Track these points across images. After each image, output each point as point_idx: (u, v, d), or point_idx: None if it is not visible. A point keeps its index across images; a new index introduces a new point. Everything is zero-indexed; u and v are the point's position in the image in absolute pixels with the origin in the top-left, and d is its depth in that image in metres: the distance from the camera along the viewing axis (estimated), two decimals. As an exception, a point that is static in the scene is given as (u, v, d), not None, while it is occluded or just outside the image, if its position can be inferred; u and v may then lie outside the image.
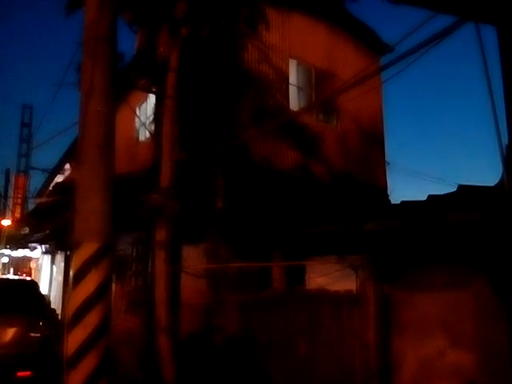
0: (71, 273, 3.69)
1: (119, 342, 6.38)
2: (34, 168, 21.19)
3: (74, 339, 3.53)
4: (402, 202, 5.15)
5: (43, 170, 19.63)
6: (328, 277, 5.45)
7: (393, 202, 9.36)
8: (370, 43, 10.28)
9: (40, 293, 8.17)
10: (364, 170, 9.85)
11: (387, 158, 10.88)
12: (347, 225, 5.21)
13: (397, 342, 4.85)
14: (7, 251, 23.20)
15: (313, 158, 8.92)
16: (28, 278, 13.61)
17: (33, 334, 6.61)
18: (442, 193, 4.63)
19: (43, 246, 16.38)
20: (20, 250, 20.31)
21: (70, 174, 15.16)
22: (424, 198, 4.62)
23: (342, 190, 8.52)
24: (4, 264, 27.64)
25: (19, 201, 23.39)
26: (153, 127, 7.80)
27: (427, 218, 4.42)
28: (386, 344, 4.87)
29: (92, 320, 3.54)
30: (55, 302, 12.76)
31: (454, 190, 4.52)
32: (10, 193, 25.58)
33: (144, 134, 10.01)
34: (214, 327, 6.43)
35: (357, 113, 9.74)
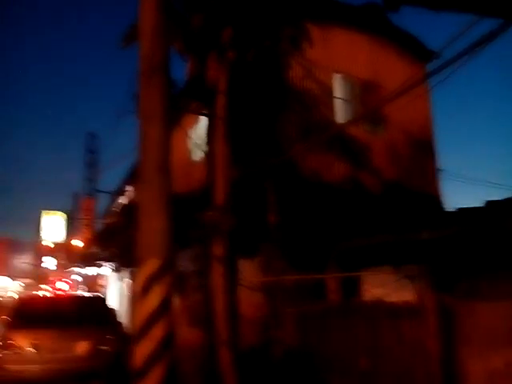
0: (136, 289, 3.81)
1: (181, 355, 6.48)
2: (99, 191, 22.37)
3: (141, 352, 3.63)
4: (459, 209, 4.91)
5: (108, 193, 20.72)
6: (384, 288, 5.27)
7: (447, 209, 8.94)
8: (415, 51, 10.01)
9: (109, 308, 8.45)
10: (415, 179, 9.51)
11: (440, 165, 10.45)
12: (402, 235, 5.03)
13: (461, 354, 4.56)
14: (79, 269, 24.48)
15: (362, 169, 8.74)
16: (98, 294, 14.22)
17: (103, 348, 6.79)
18: (499, 198, 4.36)
19: (111, 264, 17.09)
20: (90, 268, 21.32)
21: (132, 195, 15.81)
22: (481, 204, 4.38)
23: (393, 199, 8.25)
24: (77, 281, 29.15)
25: (88, 222, 24.67)
26: (205, 147, 7.99)
27: (486, 225, 4.17)
28: (449, 357, 4.59)
29: (157, 333, 3.63)
30: (123, 317, 13.21)
31: (513, 194, 4.25)
32: (79, 215, 27.10)
33: (197, 155, 10.28)
34: (272, 340, 6.37)
35: (405, 121, 9.46)
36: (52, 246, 40.06)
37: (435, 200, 9.81)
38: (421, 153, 9.96)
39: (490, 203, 4.37)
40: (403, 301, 5.01)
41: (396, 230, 5.16)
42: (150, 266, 3.73)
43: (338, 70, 9.11)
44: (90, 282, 23.24)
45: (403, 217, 6.19)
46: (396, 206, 7.82)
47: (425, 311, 4.76)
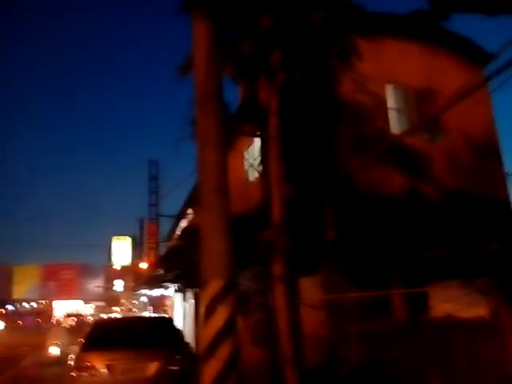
0: (201, 309, 3.92)
1: (247, 374, 6.49)
2: (162, 215, 23.28)
3: (209, 371, 3.71)
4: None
5: (170, 217, 21.51)
6: (454, 303, 4.98)
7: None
8: (469, 54, 9.60)
9: (176, 328, 8.67)
10: (480, 185, 8.99)
11: (507, 169, 9.83)
12: (469, 246, 4.77)
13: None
14: (146, 291, 25.40)
15: (421, 179, 8.43)
16: (164, 315, 14.61)
17: (173, 368, 6.94)
18: None
19: (175, 285, 17.58)
20: (156, 290, 22.06)
21: (193, 218, 16.28)
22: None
23: (457, 208, 7.85)
24: (144, 303, 30.24)
25: (153, 245, 25.66)
26: (260, 168, 8.12)
27: None
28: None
29: (224, 352, 3.69)
30: (188, 337, 13.49)
31: None
32: (144, 239, 28.27)
33: (253, 175, 10.44)
34: (337, 359, 6.22)
35: (464, 127, 9.04)
36: (120, 269, 41.97)
37: (504, 206, 9.20)
38: (485, 158, 9.44)
39: None
40: (476, 316, 4.71)
41: (463, 241, 4.90)
42: (214, 287, 3.82)
43: (391, 81, 8.95)
44: (156, 303, 24.00)
45: (469, 226, 5.87)
46: (461, 214, 7.43)
47: (502, 327, 4.44)
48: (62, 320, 34.96)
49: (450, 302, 5.07)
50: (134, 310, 33.78)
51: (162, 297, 22.86)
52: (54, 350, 14.89)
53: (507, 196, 9.53)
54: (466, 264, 4.84)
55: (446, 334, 5.01)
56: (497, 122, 10.04)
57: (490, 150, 9.62)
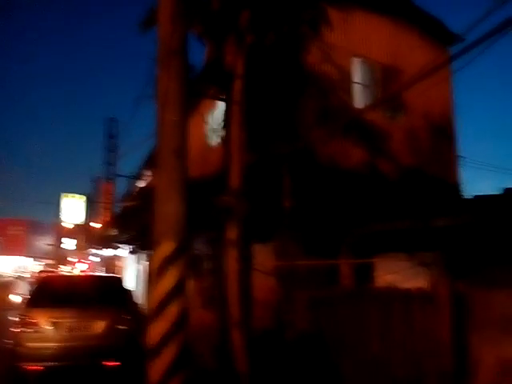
0: (152, 270, 3.93)
1: (195, 336, 6.64)
2: (119, 175, 22.72)
3: (156, 331, 3.76)
4: (476, 197, 4.86)
5: (127, 177, 21.05)
6: (397, 274, 5.28)
7: (466, 196, 8.82)
8: (437, 34, 9.77)
9: (126, 288, 8.66)
10: (434, 165, 9.39)
11: (460, 152, 10.29)
12: (417, 221, 5.02)
13: (473, 343, 4.56)
14: (97, 251, 25.06)
15: (380, 155, 8.67)
16: (115, 275, 14.55)
17: (120, 327, 6.96)
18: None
19: (129, 247, 17.44)
20: (108, 250, 21.80)
21: (151, 179, 16.03)
22: (499, 192, 4.34)
23: (411, 186, 8.18)
24: (95, 262, 29.88)
25: (107, 205, 25.14)
26: (223, 132, 8.04)
27: (503, 213, 4.13)
28: (461, 345, 4.60)
29: (172, 313, 3.75)
30: (140, 298, 13.55)
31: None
32: (100, 198, 27.63)
33: (215, 140, 10.34)
34: (285, 323, 6.48)
35: (425, 107, 9.30)
36: (71, 227, 41.05)
37: (453, 187, 9.69)
38: (440, 139, 9.81)
39: (508, 191, 4.33)
40: (417, 287, 5.02)
41: (411, 217, 5.15)
42: (166, 248, 3.83)
43: (358, 54, 8.98)
44: (108, 264, 23.78)
45: (420, 203, 6.16)
46: (413, 192, 7.76)
47: (438, 298, 4.76)
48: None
49: (395, 274, 5.35)
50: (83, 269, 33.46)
51: (115, 257, 22.65)
52: (15, 298, 15.23)
53: (456, 177, 10.01)
54: (412, 238, 5.11)
55: (386, 302, 5.32)
56: (455, 105, 10.41)
57: (445, 132, 9.99)
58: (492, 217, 4.23)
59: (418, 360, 4.89)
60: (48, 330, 6.69)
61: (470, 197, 5.33)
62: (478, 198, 4.73)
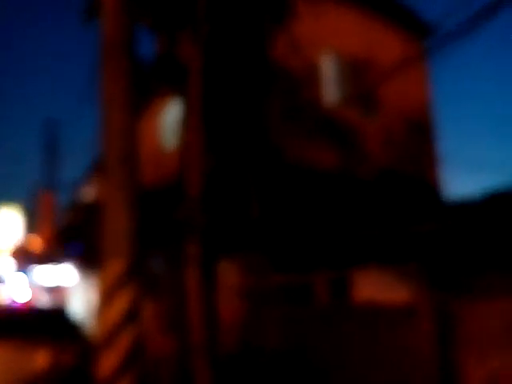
0: (100, 295, 3.83)
1: (154, 365, 6.53)
2: (59, 184, 22.09)
3: (106, 364, 3.66)
4: (457, 202, 5.03)
5: (70, 186, 20.50)
6: (377, 287, 5.37)
7: (447, 197, 9.13)
8: (411, 26, 10.09)
9: (69, 319, 8.52)
10: (411, 165, 9.66)
11: (440, 150, 10.62)
12: (395, 229, 5.13)
13: (459, 357, 4.70)
14: (38, 270, 24.20)
15: (354, 155, 8.84)
16: (57, 307, 14.18)
17: (63, 359, 6.91)
18: (503, 183, 4.48)
19: (75, 265, 16.97)
20: (51, 268, 21.08)
21: (96, 190, 15.70)
22: (482, 195, 4.50)
23: (388, 187, 8.39)
24: (37, 286, 28.82)
25: (48, 218, 24.40)
26: (179, 135, 7.97)
27: (485, 219, 4.29)
28: (447, 359, 4.73)
29: (124, 343, 3.66)
30: (88, 324, 13.18)
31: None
32: (38, 210, 26.76)
33: (170, 143, 10.24)
34: (254, 346, 6.46)
35: (401, 103, 9.57)
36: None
37: (433, 187, 10.00)
38: (418, 138, 10.11)
39: (490, 195, 4.50)
40: (398, 301, 5.12)
41: (389, 223, 5.25)
42: (114, 269, 3.74)
43: (328, 47, 9.14)
44: (52, 288, 23.04)
45: (398, 206, 6.31)
46: (390, 193, 7.95)
47: (421, 312, 4.88)
48: None
49: (374, 287, 5.44)
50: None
51: (58, 278, 21.97)
52: None
53: (435, 177, 10.34)
54: (392, 247, 5.21)
55: (366, 318, 5.41)
56: (433, 103, 10.74)
57: (423, 130, 10.31)
58: (474, 223, 4.38)
59: (402, 377, 4.98)
60: None
61: (451, 200, 5.51)
62: (460, 204, 4.90)
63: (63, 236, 15.21)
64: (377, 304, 5.40)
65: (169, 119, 10.29)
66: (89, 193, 18.03)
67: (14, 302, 28.15)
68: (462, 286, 4.69)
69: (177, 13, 6.53)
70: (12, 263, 41.07)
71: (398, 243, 5.18)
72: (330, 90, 9.15)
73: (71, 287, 20.29)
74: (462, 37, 3.97)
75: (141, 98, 5.81)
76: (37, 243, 26.28)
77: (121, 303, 3.68)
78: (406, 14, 10.05)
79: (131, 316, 3.70)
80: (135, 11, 4.77)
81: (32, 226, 30.91)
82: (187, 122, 6.47)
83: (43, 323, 7.66)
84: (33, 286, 28.81)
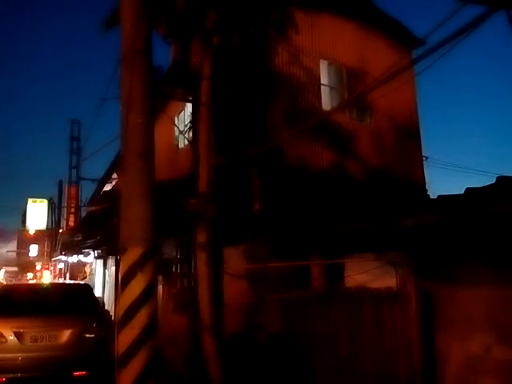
0: (120, 277, 3.83)
1: (167, 342, 6.53)
2: (84, 178, 22.15)
3: (123, 339, 3.66)
4: (439, 197, 4.99)
5: (93, 180, 20.52)
6: (367, 274, 5.36)
7: (432, 197, 9.08)
8: (401, 37, 10.03)
9: (94, 296, 8.47)
10: (400, 167, 9.62)
11: (425, 153, 10.59)
12: (384, 222, 5.10)
13: (440, 339, 4.68)
14: (63, 257, 24.31)
15: (348, 157, 8.80)
16: (82, 282, 14.18)
17: (87, 335, 6.82)
18: (480, 186, 4.45)
19: (96, 252, 17.02)
20: (74, 256, 21.20)
21: (117, 182, 15.69)
22: (461, 192, 4.46)
23: (379, 187, 8.35)
24: (60, 269, 28.95)
25: (72, 210, 24.45)
26: (191, 135, 7.96)
27: (465, 212, 4.25)
28: (429, 342, 4.71)
29: (140, 321, 3.65)
30: (108, 304, 13.23)
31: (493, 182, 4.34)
32: (64, 202, 26.83)
33: (183, 142, 10.22)
34: (257, 326, 6.46)
35: (390, 109, 9.52)
36: (33, 233, 39.71)
37: (420, 187, 9.96)
38: (406, 140, 10.06)
39: (469, 190, 4.46)
40: (385, 287, 5.11)
41: (379, 217, 5.23)
42: (133, 254, 3.73)
43: (325, 57, 9.10)
44: (75, 270, 23.12)
45: (387, 204, 6.28)
46: (381, 193, 7.92)
47: (406, 297, 4.86)
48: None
49: (364, 274, 5.43)
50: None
51: (81, 263, 22.03)
52: None
53: (422, 177, 10.29)
54: (381, 238, 5.19)
55: (355, 302, 5.40)
56: (419, 107, 10.70)
57: (410, 133, 10.26)
58: (454, 216, 4.35)
59: (388, 359, 4.97)
60: (11, 341, 6.47)
61: (435, 197, 5.48)
62: (442, 198, 4.86)
63: (85, 225, 15.22)
64: (366, 289, 5.40)
65: (182, 120, 10.27)
66: (109, 186, 18.05)
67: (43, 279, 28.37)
68: (446, 274, 4.67)
69: (188, 24, 6.50)
70: (37, 247, 41.38)
71: (386, 234, 5.16)
72: (327, 95, 9.11)
73: (93, 269, 20.39)
74: (447, 49, 3.92)
75: (157, 101, 5.80)
76: (63, 232, 26.38)
77: (138, 284, 3.67)
78: (396, 26, 10.00)
79: (147, 296, 3.70)
80: (151, 21, 4.74)
81: (59, 217, 31.08)
82: (198, 123, 6.46)
83: (67, 299, 7.59)
84: (59, 267, 28.99)
